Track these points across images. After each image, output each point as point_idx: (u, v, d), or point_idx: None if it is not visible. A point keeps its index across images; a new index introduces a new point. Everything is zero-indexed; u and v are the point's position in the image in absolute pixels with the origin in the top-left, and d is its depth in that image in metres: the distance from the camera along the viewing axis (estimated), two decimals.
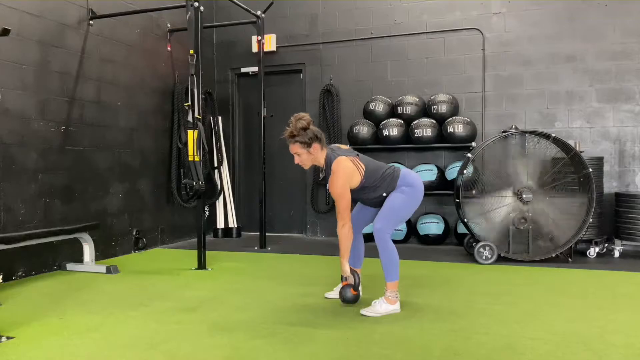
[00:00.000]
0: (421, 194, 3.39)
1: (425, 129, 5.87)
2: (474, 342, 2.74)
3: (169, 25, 6.17)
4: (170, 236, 6.24)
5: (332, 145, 3.52)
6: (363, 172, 3.31)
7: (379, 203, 3.40)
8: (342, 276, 3.43)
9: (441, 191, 5.91)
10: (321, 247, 5.91)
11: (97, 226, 4.79)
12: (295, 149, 3.32)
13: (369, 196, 3.40)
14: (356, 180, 3.30)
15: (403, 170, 3.42)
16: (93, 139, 5.12)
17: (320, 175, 3.53)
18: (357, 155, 3.41)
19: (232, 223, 6.82)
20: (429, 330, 2.93)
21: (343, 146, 3.57)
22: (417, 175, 3.45)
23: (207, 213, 6.59)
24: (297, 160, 3.38)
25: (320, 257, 5.30)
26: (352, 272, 3.39)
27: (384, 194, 3.35)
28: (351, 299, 3.39)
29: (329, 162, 3.33)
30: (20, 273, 4.35)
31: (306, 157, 3.34)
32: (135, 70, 5.69)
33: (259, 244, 5.89)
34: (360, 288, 3.44)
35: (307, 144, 3.28)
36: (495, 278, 4.30)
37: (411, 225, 6.09)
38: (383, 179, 3.34)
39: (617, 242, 5.26)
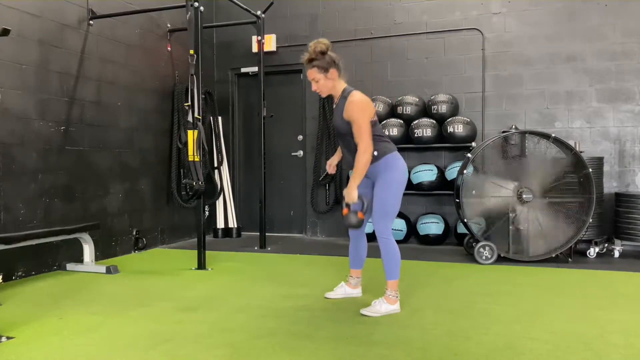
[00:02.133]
0: (406, 180, 3.38)
1: (425, 129, 5.87)
2: (473, 342, 2.74)
3: (169, 25, 6.17)
4: (170, 236, 6.24)
5: None
6: (374, 117, 3.32)
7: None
8: (344, 204, 3.31)
9: (441, 191, 5.91)
10: (321, 247, 5.92)
11: (97, 226, 4.79)
12: (313, 74, 3.32)
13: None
14: (371, 112, 3.28)
15: (396, 150, 3.40)
16: (93, 139, 5.12)
17: (333, 104, 3.47)
18: None
19: (232, 223, 6.82)
20: (429, 330, 2.93)
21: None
22: (404, 161, 3.41)
23: (207, 213, 6.59)
24: (314, 87, 3.37)
25: (320, 257, 5.30)
26: (360, 197, 3.28)
27: (376, 153, 3.29)
28: (357, 223, 3.29)
29: (346, 92, 3.32)
30: (20, 273, 4.35)
31: (323, 82, 3.33)
32: (135, 70, 5.69)
33: (259, 244, 5.89)
34: (365, 214, 3.35)
35: (325, 69, 3.29)
36: (495, 278, 4.30)
37: (411, 225, 6.09)
38: (383, 138, 3.35)
39: (617, 242, 5.26)
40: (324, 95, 3.43)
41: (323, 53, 3.28)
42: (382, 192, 3.31)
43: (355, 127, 3.23)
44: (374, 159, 3.31)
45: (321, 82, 3.33)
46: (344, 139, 3.38)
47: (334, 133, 3.54)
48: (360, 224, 3.35)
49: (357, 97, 3.27)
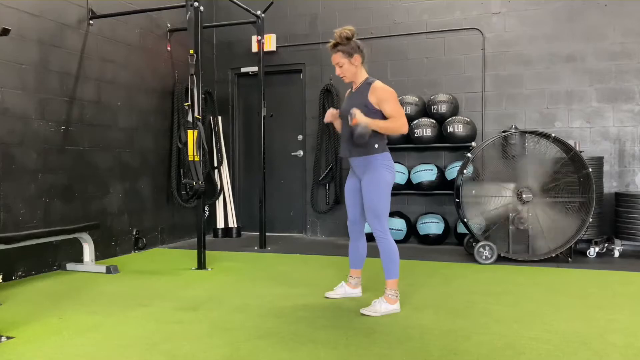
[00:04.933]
0: (393, 180, 3.41)
1: (425, 128, 5.87)
2: (474, 342, 2.74)
3: (169, 25, 6.17)
4: (170, 236, 6.24)
5: None
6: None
7: (363, 148, 3.33)
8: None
9: (441, 191, 5.91)
10: (321, 247, 5.92)
11: (97, 226, 4.79)
12: (337, 58, 3.38)
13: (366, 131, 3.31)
14: (394, 95, 3.35)
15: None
16: (93, 139, 5.12)
17: (351, 90, 3.47)
18: None
19: (232, 223, 6.82)
20: (429, 330, 2.93)
21: None
22: (393, 163, 3.45)
23: (207, 213, 6.60)
24: (338, 71, 3.43)
25: (320, 257, 5.30)
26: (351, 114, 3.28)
27: (376, 146, 3.33)
28: (365, 132, 3.22)
29: (369, 81, 3.39)
30: (20, 273, 4.35)
31: (347, 67, 3.39)
32: (135, 70, 5.69)
33: (258, 244, 5.89)
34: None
35: (349, 54, 3.36)
36: (495, 278, 4.30)
37: (411, 225, 6.09)
38: (385, 136, 3.39)
39: (617, 242, 5.26)
40: (347, 80, 3.47)
41: (348, 39, 3.36)
42: (370, 193, 3.34)
43: (389, 107, 3.30)
44: (373, 151, 3.34)
45: (345, 67, 3.39)
46: (347, 126, 3.38)
47: (341, 117, 3.52)
48: (365, 132, 3.23)
49: (383, 84, 3.37)
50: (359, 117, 3.23)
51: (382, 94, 3.32)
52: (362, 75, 3.44)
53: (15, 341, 2.80)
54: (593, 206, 4.79)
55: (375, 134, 3.32)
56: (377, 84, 3.36)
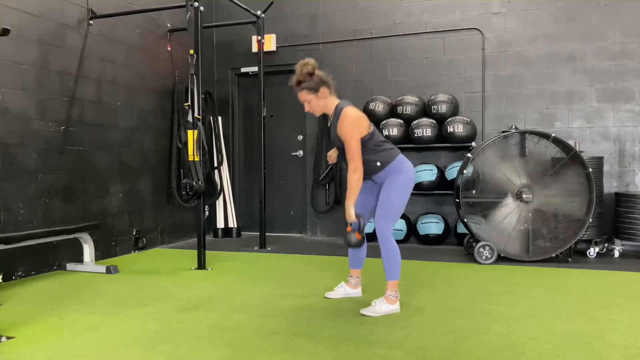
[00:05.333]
0: (413, 183, 3.39)
1: (425, 128, 5.87)
2: (474, 342, 2.74)
3: (169, 25, 6.17)
4: (170, 236, 6.24)
5: None
6: (370, 128, 3.30)
7: (371, 171, 3.33)
8: (347, 235, 3.35)
9: (441, 191, 5.91)
10: (321, 247, 5.91)
11: (97, 226, 4.79)
12: (304, 95, 3.32)
13: (365, 157, 3.31)
14: (364, 127, 3.26)
15: (401, 155, 3.40)
16: (93, 139, 5.12)
17: (328, 121, 3.47)
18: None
19: (232, 223, 6.82)
20: (429, 330, 2.93)
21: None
22: (410, 164, 3.43)
23: (207, 213, 6.60)
24: (307, 108, 3.37)
25: (320, 257, 5.30)
26: (357, 216, 3.30)
27: (379, 164, 3.31)
28: (357, 243, 3.32)
29: (339, 107, 3.30)
30: (20, 273, 4.35)
31: (315, 103, 3.32)
32: (135, 70, 5.69)
33: (258, 244, 5.89)
34: (364, 234, 3.37)
35: (315, 90, 3.28)
36: (495, 278, 4.30)
37: (411, 225, 6.09)
38: (383, 146, 3.33)
39: (617, 242, 5.26)
40: (317, 114, 3.42)
41: (311, 74, 3.26)
42: (387, 192, 3.32)
43: (346, 146, 3.24)
44: (378, 169, 3.32)
45: (313, 103, 3.33)
46: (343, 153, 3.38)
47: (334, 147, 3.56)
48: (359, 244, 3.35)
49: (349, 113, 3.25)
50: (346, 216, 3.28)
51: (341, 131, 3.25)
52: (333, 103, 3.35)
53: (15, 341, 2.80)
54: (593, 206, 4.79)
55: (372, 152, 3.29)
56: (342, 117, 3.24)
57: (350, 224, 3.32)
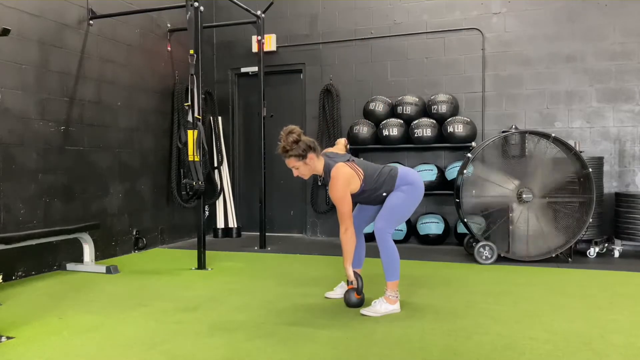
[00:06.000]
0: (421, 192, 3.39)
1: (425, 129, 5.87)
2: (474, 342, 2.74)
3: (169, 25, 6.17)
4: (170, 236, 6.24)
5: (327, 151, 3.53)
6: (362, 177, 3.31)
7: (379, 202, 3.40)
8: (347, 280, 3.43)
9: (441, 191, 5.91)
10: (321, 247, 5.91)
11: (97, 226, 4.79)
12: (292, 162, 3.31)
13: (369, 198, 3.40)
14: (355, 184, 3.30)
15: (401, 169, 3.42)
16: (93, 139, 5.12)
17: (319, 182, 3.52)
18: (353, 160, 3.40)
19: (232, 223, 6.82)
20: (429, 330, 2.93)
21: (337, 149, 3.63)
22: (417, 174, 3.45)
23: (207, 213, 6.59)
24: (295, 173, 3.37)
25: (320, 257, 5.30)
26: (356, 275, 3.39)
27: (384, 194, 3.36)
28: (355, 303, 3.38)
29: (327, 169, 3.33)
30: (20, 273, 4.35)
31: (304, 168, 3.33)
32: (135, 70, 5.69)
33: (258, 244, 5.89)
34: (363, 292, 3.43)
35: (302, 156, 3.27)
36: (495, 278, 4.30)
37: (411, 225, 6.09)
38: (382, 180, 3.34)
39: (617, 242, 5.26)
40: (306, 178, 3.43)
41: (296, 142, 3.25)
42: (395, 196, 3.34)
43: (337, 208, 3.30)
44: (387, 196, 3.35)
45: (302, 169, 3.33)
46: (357, 198, 3.42)
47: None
48: (359, 304, 3.38)
49: (338, 177, 3.25)
50: (346, 276, 3.39)
51: (333, 195, 3.28)
52: (321, 164, 3.35)
53: (15, 341, 2.80)
54: (593, 206, 4.79)
55: (374, 190, 3.33)
56: (332, 180, 3.26)
57: (350, 282, 3.38)
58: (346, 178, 3.26)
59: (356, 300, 3.38)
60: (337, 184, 3.25)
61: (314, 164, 3.32)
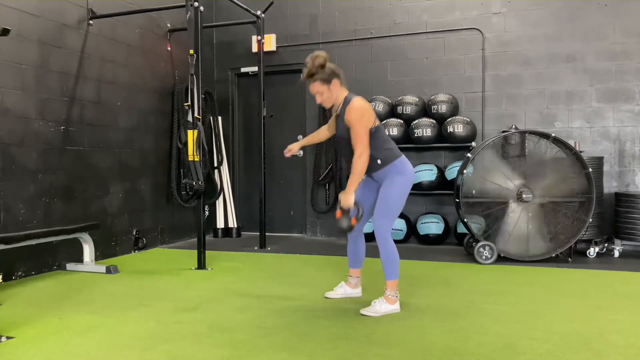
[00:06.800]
0: (411, 184, 3.40)
1: (425, 128, 5.87)
2: (474, 342, 2.74)
3: (169, 25, 6.17)
4: (170, 236, 6.24)
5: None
6: (377, 124, 3.33)
7: (370, 168, 3.33)
8: (339, 206, 3.31)
9: (441, 191, 5.91)
10: (321, 247, 5.91)
11: (97, 226, 4.79)
12: (316, 87, 3.34)
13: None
14: (370, 119, 3.28)
15: (403, 156, 3.41)
16: (93, 139, 5.12)
17: (334, 112, 3.45)
18: None
19: (232, 223, 6.82)
20: (429, 330, 2.93)
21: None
22: (411, 166, 3.44)
23: (207, 213, 6.59)
24: (318, 99, 3.39)
25: (320, 257, 5.30)
26: (356, 203, 3.31)
27: (379, 161, 3.32)
28: (347, 227, 3.28)
29: (348, 99, 3.33)
30: (20, 273, 4.35)
31: (327, 95, 3.35)
32: (135, 70, 5.69)
33: (258, 243, 5.89)
34: (362, 219, 3.36)
35: (327, 81, 3.30)
36: (495, 278, 4.30)
37: (411, 225, 6.09)
38: (387, 145, 3.35)
39: (617, 242, 5.26)
40: (327, 106, 3.44)
41: (322, 66, 3.28)
42: (387, 190, 3.33)
43: (353, 132, 3.25)
44: (379, 167, 3.33)
45: (325, 95, 3.35)
46: (347, 147, 3.38)
47: (338, 141, 3.53)
48: (351, 229, 3.34)
49: (357, 103, 3.29)
50: (343, 202, 3.26)
51: (349, 118, 3.27)
52: (342, 94, 3.38)
53: (15, 341, 2.80)
54: (593, 206, 4.79)
55: (374, 149, 3.29)
56: (351, 105, 3.28)
57: (343, 209, 3.28)
58: (366, 106, 3.30)
59: (351, 225, 3.26)
60: (356, 105, 3.26)
61: (337, 91, 3.35)
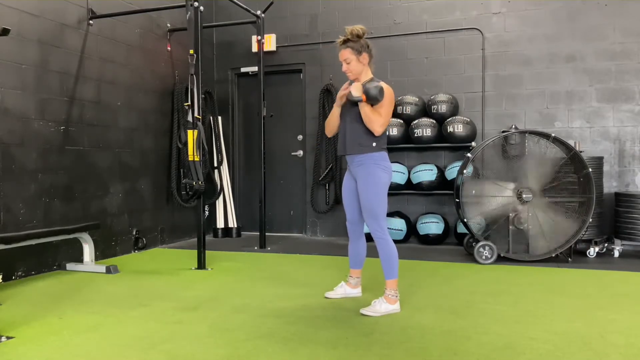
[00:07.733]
0: (389, 182, 3.42)
1: (425, 128, 5.87)
2: (474, 342, 2.74)
3: (169, 25, 6.17)
4: (170, 236, 6.24)
5: None
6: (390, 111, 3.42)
7: (359, 144, 3.35)
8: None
9: (441, 191, 5.91)
10: (321, 247, 5.91)
11: (97, 226, 4.79)
12: (346, 54, 3.38)
13: (362, 123, 3.36)
14: (390, 102, 3.35)
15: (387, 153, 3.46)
16: (93, 139, 5.12)
17: (353, 94, 3.42)
18: None
19: (232, 223, 6.82)
20: (429, 330, 2.93)
21: None
22: (391, 165, 3.46)
23: (207, 213, 6.60)
24: (344, 68, 3.42)
25: (320, 257, 5.30)
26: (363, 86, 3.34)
27: (374, 144, 3.34)
28: (378, 90, 3.25)
29: (375, 80, 3.39)
30: (20, 273, 4.35)
31: (355, 65, 3.39)
32: (135, 70, 5.69)
33: (258, 243, 5.89)
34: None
35: (358, 51, 3.37)
36: (495, 278, 4.30)
37: (411, 225, 6.09)
38: (383, 137, 3.39)
39: (617, 242, 5.26)
40: (352, 77, 3.45)
41: (359, 36, 3.37)
42: (365, 193, 3.35)
43: (381, 110, 3.31)
44: (369, 149, 3.34)
45: (353, 64, 3.40)
46: (353, 123, 3.38)
47: (343, 129, 3.51)
48: (380, 90, 3.30)
49: (388, 86, 3.38)
50: (353, 90, 3.28)
51: (386, 92, 3.34)
52: (367, 75, 3.44)
53: (15, 341, 2.80)
54: (593, 206, 4.79)
55: (372, 133, 3.32)
56: (385, 86, 3.36)
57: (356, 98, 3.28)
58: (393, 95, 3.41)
59: (377, 88, 3.25)
60: (390, 88, 3.37)
61: (364, 68, 3.41)
